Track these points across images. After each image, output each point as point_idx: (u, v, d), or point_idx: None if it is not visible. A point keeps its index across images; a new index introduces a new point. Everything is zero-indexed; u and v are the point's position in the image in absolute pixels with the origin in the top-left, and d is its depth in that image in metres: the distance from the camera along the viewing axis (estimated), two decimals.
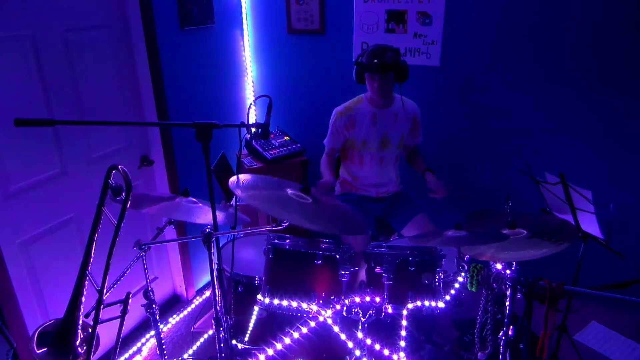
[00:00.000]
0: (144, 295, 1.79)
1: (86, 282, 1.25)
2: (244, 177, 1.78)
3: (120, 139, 2.50)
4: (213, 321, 1.64)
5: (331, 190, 2.45)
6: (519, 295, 1.44)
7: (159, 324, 1.88)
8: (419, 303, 1.83)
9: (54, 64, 2.09)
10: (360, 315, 1.73)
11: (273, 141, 3.17)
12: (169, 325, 2.84)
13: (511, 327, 1.59)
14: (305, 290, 1.86)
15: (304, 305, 1.83)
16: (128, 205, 1.27)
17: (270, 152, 3.08)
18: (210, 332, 2.66)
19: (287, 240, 1.91)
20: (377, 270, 1.88)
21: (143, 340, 2.63)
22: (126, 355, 2.56)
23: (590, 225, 1.82)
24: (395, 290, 1.86)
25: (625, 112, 2.45)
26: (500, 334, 1.61)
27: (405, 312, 1.84)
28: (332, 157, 2.60)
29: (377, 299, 1.77)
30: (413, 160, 2.70)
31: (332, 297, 1.84)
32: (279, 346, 1.94)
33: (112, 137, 2.45)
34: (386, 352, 1.91)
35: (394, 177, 2.64)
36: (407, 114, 2.50)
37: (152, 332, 1.93)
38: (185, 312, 2.94)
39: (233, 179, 1.66)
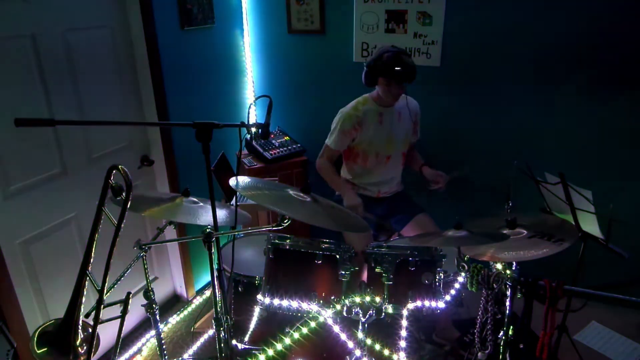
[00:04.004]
0: (144, 295, 1.79)
1: (86, 282, 1.25)
2: (243, 179, 1.78)
3: (120, 139, 2.50)
4: (213, 321, 1.64)
5: (361, 205, 2.42)
6: (519, 295, 1.44)
7: (159, 324, 1.88)
8: (419, 303, 1.83)
9: (54, 64, 2.09)
10: (360, 315, 1.73)
11: (273, 141, 3.17)
12: (169, 325, 2.84)
13: (511, 327, 1.59)
14: (305, 290, 1.86)
15: (304, 305, 1.83)
16: (128, 205, 1.27)
17: (271, 152, 3.08)
18: (210, 332, 2.66)
19: (288, 240, 1.91)
20: (377, 270, 1.88)
21: (143, 340, 2.64)
22: (126, 355, 2.56)
23: (590, 225, 1.82)
24: (395, 290, 1.87)
25: (626, 112, 2.45)
26: (500, 334, 1.61)
27: (405, 312, 1.84)
28: (332, 161, 2.58)
29: (377, 299, 1.78)
30: (410, 158, 2.69)
31: (332, 297, 1.84)
32: (279, 346, 1.94)
33: (112, 137, 2.45)
34: (386, 352, 1.92)
35: (399, 176, 2.64)
36: (410, 111, 2.50)
37: (153, 332, 1.93)
38: (185, 312, 2.94)
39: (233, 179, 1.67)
